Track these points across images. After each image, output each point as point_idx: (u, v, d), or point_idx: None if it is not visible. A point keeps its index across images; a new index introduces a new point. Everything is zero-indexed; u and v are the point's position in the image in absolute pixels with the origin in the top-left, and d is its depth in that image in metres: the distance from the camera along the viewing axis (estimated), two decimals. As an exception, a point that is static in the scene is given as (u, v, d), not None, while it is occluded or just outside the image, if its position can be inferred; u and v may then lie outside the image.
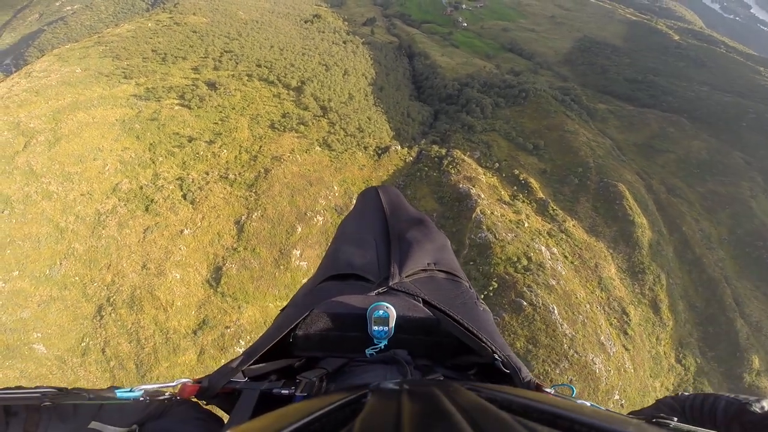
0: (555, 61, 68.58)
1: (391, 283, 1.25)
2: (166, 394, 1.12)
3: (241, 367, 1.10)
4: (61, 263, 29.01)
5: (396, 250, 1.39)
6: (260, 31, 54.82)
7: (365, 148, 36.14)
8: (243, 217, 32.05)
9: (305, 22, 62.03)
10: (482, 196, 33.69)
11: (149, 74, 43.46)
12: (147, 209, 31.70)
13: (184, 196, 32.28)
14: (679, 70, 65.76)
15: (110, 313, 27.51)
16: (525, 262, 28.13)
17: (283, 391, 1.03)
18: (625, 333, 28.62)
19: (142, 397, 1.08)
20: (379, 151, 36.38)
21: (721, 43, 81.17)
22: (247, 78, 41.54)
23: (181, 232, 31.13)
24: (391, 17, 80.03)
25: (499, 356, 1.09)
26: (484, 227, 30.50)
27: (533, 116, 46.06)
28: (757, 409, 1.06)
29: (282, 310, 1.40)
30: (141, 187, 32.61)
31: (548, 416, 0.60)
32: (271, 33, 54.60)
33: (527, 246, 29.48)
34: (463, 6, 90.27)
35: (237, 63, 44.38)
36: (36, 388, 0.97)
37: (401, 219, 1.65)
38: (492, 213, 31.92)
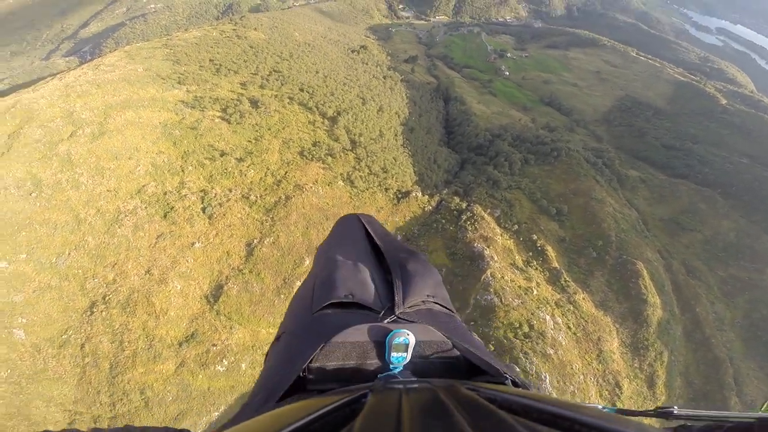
0: (592, 119, 63.03)
1: (397, 313, 1.17)
2: None
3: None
4: (69, 253, 27.91)
5: (398, 280, 1.30)
6: (310, 55, 54.07)
7: (386, 189, 33.83)
8: (255, 241, 30.24)
9: (352, 51, 61.16)
10: (495, 258, 30.98)
11: (201, 83, 42.92)
12: (165, 216, 30.39)
13: (203, 210, 30.82)
14: (721, 138, 58.38)
15: (102, 311, 26.12)
16: (526, 329, 26.11)
17: None
18: (614, 405, 25.56)
19: None
20: (400, 195, 33.98)
21: (770, 110, 71.70)
22: (288, 100, 40.28)
23: (193, 244, 29.60)
24: (433, 57, 77.08)
25: (509, 376, 1.07)
26: (491, 290, 28.20)
27: (561, 177, 42.38)
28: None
29: (277, 339, 1.27)
30: (165, 193, 31.34)
31: (548, 416, 0.59)
32: (319, 58, 53.74)
33: (532, 314, 27.23)
34: (508, 54, 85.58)
35: (282, 84, 43.31)
36: None
37: (397, 249, 1.52)
38: (502, 277, 29.38)
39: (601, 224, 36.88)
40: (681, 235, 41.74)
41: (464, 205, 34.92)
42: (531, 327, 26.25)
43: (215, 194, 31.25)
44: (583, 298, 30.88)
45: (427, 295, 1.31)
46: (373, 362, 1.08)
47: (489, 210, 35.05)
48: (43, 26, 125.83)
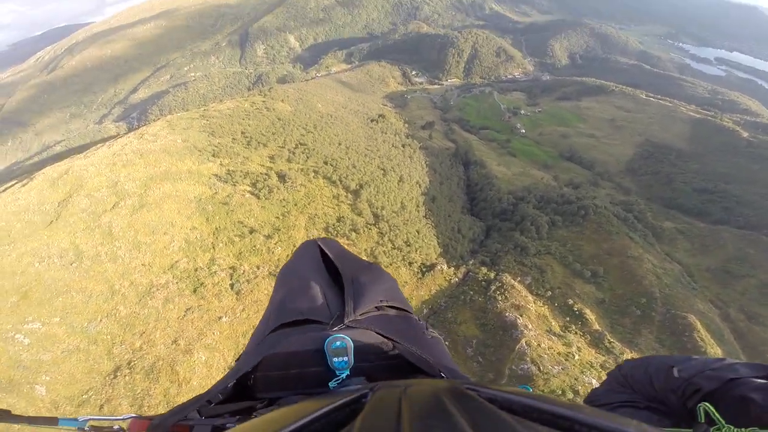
0: (616, 170, 60.92)
1: (346, 321, 1.22)
2: (115, 427, 1.13)
3: (195, 407, 1.09)
4: (101, 320, 28.84)
5: (350, 291, 1.36)
6: (332, 126, 57.15)
7: (410, 263, 33.70)
8: (281, 315, 30.08)
9: (371, 120, 64.38)
10: (529, 326, 29.66)
11: (233, 156, 45.56)
12: (195, 291, 31.23)
13: (232, 286, 31.42)
14: (754, 174, 54.59)
15: (125, 376, 26.38)
16: (571, 395, 24.32)
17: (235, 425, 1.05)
18: None
19: (87, 427, 1.10)
20: (424, 269, 33.70)
21: (797, 138, 67.82)
22: (313, 174, 41.96)
23: (220, 318, 30.08)
24: (449, 121, 78.87)
25: (443, 373, 1.12)
26: (527, 359, 26.83)
27: (592, 238, 40.78)
28: (676, 374, 1.07)
29: (237, 359, 1.33)
30: (196, 269, 32.22)
31: (548, 416, 0.58)
32: (341, 129, 56.68)
33: (575, 379, 25.50)
34: (522, 111, 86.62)
35: (308, 157, 45.46)
36: None
37: (350, 264, 1.59)
38: (539, 345, 27.95)
39: (641, 282, 35.02)
40: (733, 283, 38.85)
41: (492, 274, 34.13)
42: (576, 393, 24.52)
43: (243, 271, 31.87)
44: (632, 358, 28.66)
45: (380, 301, 1.34)
46: (316, 368, 1.11)
47: (519, 278, 34.13)
48: (98, 90, 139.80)
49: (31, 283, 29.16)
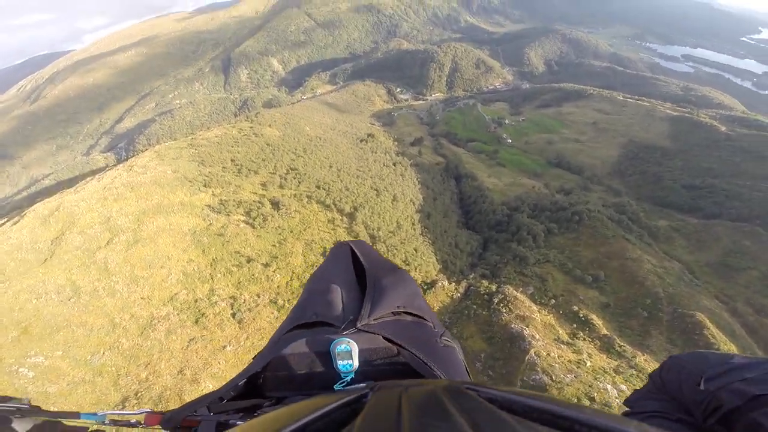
0: (604, 173, 61.97)
1: (358, 325, 1.24)
2: (132, 420, 1.24)
3: (205, 403, 1.15)
4: (104, 353, 28.67)
5: (369, 295, 1.39)
6: (322, 149, 57.84)
7: (410, 283, 33.87)
8: (284, 343, 30.10)
9: (360, 140, 65.34)
10: (537, 336, 29.41)
11: (225, 185, 45.71)
12: (197, 322, 31.12)
13: (233, 315, 31.32)
14: (737, 167, 56.04)
15: (133, 406, 25.92)
16: (587, 402, 23.64)
17: (239, 422, 1.10)
18: None
19: (107, 421, 1.20)
20: (425, 287, 34.02)
21: (771, 127, 69.25)
22: (306, 199, 42.32)
23: (224, 347, 29.97)
24: (437, 136, 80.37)
25: (444, 379, 1.14)
26: (539, 369, 26.34)
27: (589, 243, 40.96)
28: (702, 387, 1.04)
29: (254, 358, 1.38)
30: (196, 300, 32.08)
31: (548, 416, 0.58)
32: (331, 151, 57.41)
33: (589, 386, 25.08)
34: (506, 121, 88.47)
35: (300, 182, 45.88)
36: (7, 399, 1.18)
37: (378, 268, 1.62)
38: (548, 354, 27.56)
39: (644, 283, 35.02)
40: (736, 277, 39.04)
41: (494, 287, 34.30)
42: (592, 399, 24.15)
43: (244, 300, 31.84)
44: (645, 360, 28.39)
45: (398, 306, 1.37)
46: (322, 370, 1.16)
47: (521, 288, 34.17)
48: (84, 120, 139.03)
49: (30, 319, 29.10)
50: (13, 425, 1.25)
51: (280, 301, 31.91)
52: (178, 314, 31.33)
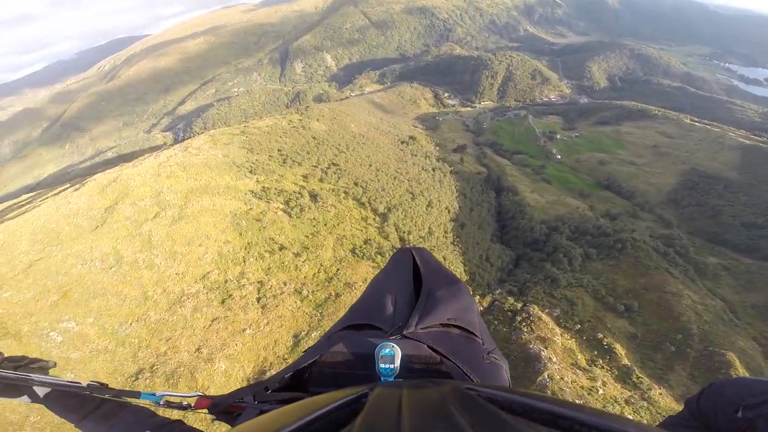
0: (657, 201, 57.08)
1: (405, 332, 1.28)
2: (184, 403, 1.40)
3: (252, 392, 1.24)
4: (131, 324, 30.04)
5: (422, 303, 1.43)
6: (364, 147, 58.25)
7: (435, 291, 33.08)
8: (302, 333, 30.56)
9: (402, 142, 64.93)
10: (554, 359, 28.35)
11: (269, 173, 47.41)
12: (223, 302, 32.16)
13: (258, 300, 32.17)
14: None
15: (146, 378, 27.14)
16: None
17: None
18: None
19: (162, 402, 1.38)
20: (448, 298, 32.94)
21: None
22: (344, 195, 42.74)
23: (244, 330, 30.72)
24: (482, 145, 77.60)
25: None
26: (548, 392, 25.44)
27: (629, 272, 38.64)
28: (740, 415, 1.05)
29: (305, 351, 1.45)
30: (226, 281, 33.28)
31: (548, 416, 0.59)
32: (372, 150, 57.63)
33: None
34: (558, 136, 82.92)
35: (339, 177, 46.44)
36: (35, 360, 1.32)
37: (436, 277, 1.65)
38: (561, 378, 26.58)
39: (679, 318, 32.76)
40: None
41: (519, 305, 32.97)
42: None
43: (270, 286, 32.58)
44: (660, 394, 27.24)
45: (448, 319, 1.38)
46: (365, 371, 1.17)
47: (547, 310, 32.72)
48: (150, 100, 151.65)
49: (72, 284, 30.83)
50: (34, 388, 1.33)
51: (305, 292, 32.38)
52: (207, 293, 32.54)
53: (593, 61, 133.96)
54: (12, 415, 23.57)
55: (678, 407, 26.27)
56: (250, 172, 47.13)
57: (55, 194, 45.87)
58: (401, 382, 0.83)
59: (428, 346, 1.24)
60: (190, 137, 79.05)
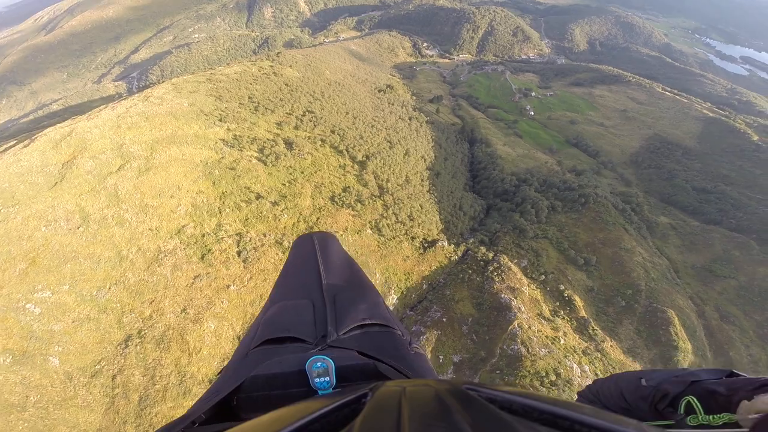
0: (620, 161, 60.43)
1: (329, 341, 1.24)
2: None
3: (179, 427, 1.08)
4: (110, 288, 28.73)
5: (332, 308, 1.39)
6: (340, 94, 55.42)
7: (413, 238, 33.70)
8: (286, 283, 30.55)
9: (379, 90, 62.31)
10: (522, 309, 30.62)
11: (240, 121, 44.47)
12: (202, 258, 31.08)
13: (239, 253, 31.44)
14: (755, 179, 55.03)
15: (136, 345, 26.67)
16: (553, 377, 25.91)
17: None
18: None
19: None
20: (426, 245, 33.76)
21: (807, 145, 65.49)
22: (320, 143, 41.13)
23: (228, 287, 30.14)
24: (458, 97, 76.42)
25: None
26: (518, 340, 28.00)
27: (590, 226, 41.02)
28: (644, 383, 1.22)
29: (219, 373, 1.35)
30: (203, 235, 32.11)
31: (548, 416, 0.58)
32: (348, 98, 55.00)
33: (558, 362, 27.02)
34: (533, 93, 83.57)
35: (315, 125, 44.38)
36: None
37: (336, 275, 1.61)
38: (529, 327, 29.06)
39: (630, 274, 35.89)
40: (714, 282, 40.10)
41: (491, 255, 34.45)
42: (558, 375, 26.08)
43: (250, 238, 31.82)
44: (611, 346, 30.53)
45: (363, 319, 1.35)
46: (299, 389, 1.11)
47: (516, 260, 34.61)
48: (98, 50, 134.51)
49: (38, 249, 28.52)
50: None
51: (286, 243, 31.82)
52: (184, 249, 31.14)
53: (577, 24, 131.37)
54: (12, 397, 22.65)
55: (626, 360, 29.42)
56: (220, 120, 43.98)
57: (1, 152, 41.12)
58: (402, 382, 0.79)
59: (358, 352, 1.19)
60: (147, 86, 71.98)
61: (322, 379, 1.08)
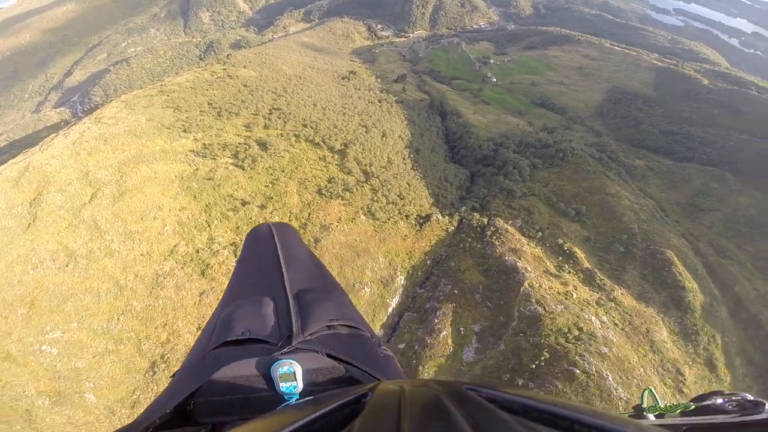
0: (587, 115, 63.06)
1: (294, 342, 1.18)
2: None
3: None
4: (118, 318, 28.06)
5: (296, 308, 1.32)
6: (303, 88, 54.36)
7: (407, 216, 34.20)
8: (293, 283, 30.54)
9: (342, 78, 61.50)
10: (529, 269, 30.92)
11: (206, 129, 42.93)
12: (203, 273, 30.58)
13: (238, 262, 30.78)
14: (714, 118, 58.12)
15: (163, 370, 26.50)
16: (576, 332, 25.79)
17: None
18: (681, 391, 25.75)
19: None
20: (421, 221, 34.36)
21: (751, 85, 70.86)
22: (294, 138, 40.50)
23: None
24: (420, 73, 76.56)
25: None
26: (533, 300, 28.17)
27: (572, 178, 42.25)
28: None
29: (173, 375, 1.26)
30: (197, 251, 31.41)
31: (548, 416, 0.58)
32: (312, 90, 54.05)
33: (577, 317, 27.14)
34: (491, 61, 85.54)
35: (285, 122, 43.55)
36: None
37: (299, 271, 1.50)
38: (540, 286, 29.35)
39: (621, 218, 36.73)
40: (701, 217, 41.65)
41: (486, 220, 35.04)
42: (580, 329, 25.94)
43: (245, 244, 31.27)
44: (622, 294, 30.62)
45: (330, 320, 1.32)
46: (263, 394, 1.08)
47: (510, 221, 35.11)
48: (26, 77, 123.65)
49: (33, 292, 27.54)
50: None
51: (282, 242, 31.70)
52: (182, 268, 30.54)
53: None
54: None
55: (639, 306, 29.55)
56: (184, 131, 42.24)
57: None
58: (402, 382, 0.76)
59: (327, 355, 1.16)
60: (93, 108, 67.48)
61: (288, 383, 1.05)
